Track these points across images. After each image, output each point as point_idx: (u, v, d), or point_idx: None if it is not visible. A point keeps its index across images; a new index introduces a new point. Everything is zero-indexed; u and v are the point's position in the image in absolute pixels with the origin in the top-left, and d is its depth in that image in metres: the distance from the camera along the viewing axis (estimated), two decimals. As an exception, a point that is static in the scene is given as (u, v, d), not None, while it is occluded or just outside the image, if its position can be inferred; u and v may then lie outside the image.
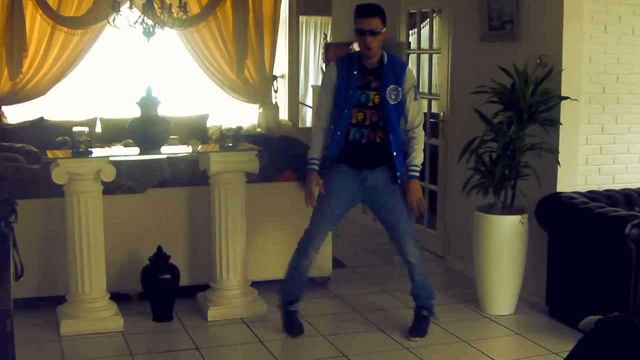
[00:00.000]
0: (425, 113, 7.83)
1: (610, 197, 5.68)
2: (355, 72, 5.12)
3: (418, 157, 5.22)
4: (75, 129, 5.55)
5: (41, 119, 9.63)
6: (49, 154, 5.58)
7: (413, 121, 5.22)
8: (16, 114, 9.91)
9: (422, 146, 5.28)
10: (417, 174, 5.22)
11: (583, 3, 5.75)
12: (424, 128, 7.68)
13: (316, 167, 5.27)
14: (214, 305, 5.74)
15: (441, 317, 5.80)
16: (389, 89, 5.11)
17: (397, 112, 5.17)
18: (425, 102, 7.87)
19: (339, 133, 5.16)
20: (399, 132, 5.19)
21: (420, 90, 7.92)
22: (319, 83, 9.87)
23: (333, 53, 8.76)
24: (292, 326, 5.44)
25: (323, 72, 5.35)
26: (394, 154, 5.14)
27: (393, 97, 5.12)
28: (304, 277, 5.43)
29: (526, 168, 5.73)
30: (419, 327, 5.44)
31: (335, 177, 5.24)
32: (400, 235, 5.30)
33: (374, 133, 5.17)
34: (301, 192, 6.18)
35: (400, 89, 5.14)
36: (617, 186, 5.95)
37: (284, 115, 11.33)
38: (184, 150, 6.38)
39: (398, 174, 5.17)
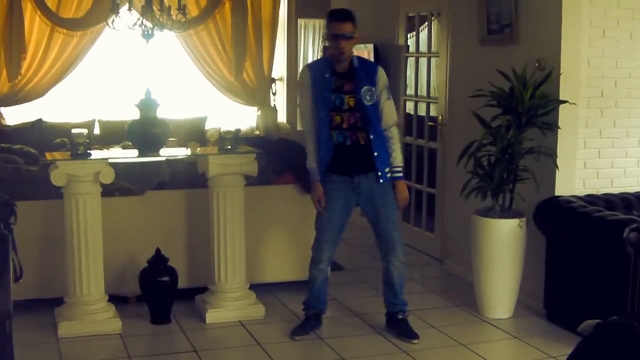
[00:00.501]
0: (423, 116, 7.85)
1: (609, 201, 5.69)
2: (327, 76, 5.20)
3: (398, 158, 5.32)
4: (74, 130, 5.56)
5: (40, 120, 9.62)
6: (48, 156, 5.58)
7: (387, 121, 5.29)
8: (15, 115, 9.89)
9: (399, 145, 5.37)
10: (401, 174, 5.34)
11: (582, 7, 5.75)
12: (421, 130, 7.76)
13: (318, 177, 5.31)
14: (213, 307, 5.74)
15: (439, 320, 5.82)
16: (363, 90, 5.18)
17: (375, 112, 5.23)
18: (423, 106, 7.88)
19: (323, 136, 5.22)
20: (381, 132, 5.26)
21: (418, 94, 7.96)
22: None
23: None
24: (299, 328, 5.49)
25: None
26: (375, 154, 5.21)
27: (368, 98, 5.19)
28: (321, 290, 5.48)
29: (524, 172, 5.73)
30: (409, 331, 5.45)
31: (329, 189, 5.30)
32: (390, 238, 5.37)
33: (355, 135, 5.23)
34: (300, 195, 6.20)
35: (374, 89, 5.21)
36: (615, 190, 5.96)
37: (282, 117, 11.33)
38: (182, 152, 6.38)
39: (379, 173, 5.24)
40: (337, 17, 5.16)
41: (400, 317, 5.51)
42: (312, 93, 5.25)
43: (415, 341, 5.37)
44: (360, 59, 5.33)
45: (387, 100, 5.29)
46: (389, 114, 5.29)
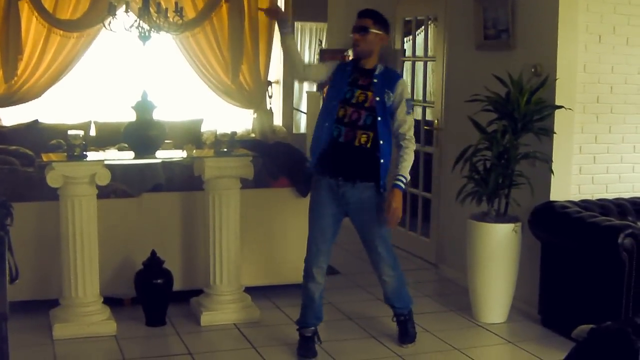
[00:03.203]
0: (419, 120, 7.86)
1: (604, 206, 5.70)
2: (348, 68, 5.17)
3: (407, 168, 5.06)
4: (70, 132, 5.56)
5: (36, 121, 9.61)
6: (44, 157, 5.59)
7: (404, 128, 5.07)
8: (11, 116, 9.87)
9: (412, 160, 5.08)
10: (403, 185, 5.05)
11: (578, 13, 5.77)
12: (417, 135, 7.74)
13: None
14: (208, 310, 5.74)
15: (434, 324, 5.82)
16: (377, 88, 5.05)
17: (387, 117, 5.04)
18: (419, 110, 7.89)
19: (327, 124, 5.06)
20: (390, 140, 5.08)
21: (414, 98, 7.96)
22: (314, 89, 9.89)
23: (328, 59, 8.77)
24: (304, 350, 5.26)
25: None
26: (382, 161, 5.02)
27: (385, 99, 5.02)
28: (316, 302, 5.28)
29: (520, 177, 5.75)
30: (405, 334, 5.46)
31: (316, 194, 5.17)
32: (377, 255, 5.27)
33: (353, 133, 5.02)
34: (295, 198, 6.19)
35: (391, 93, 5.05)
36: (610, 195, 5.98)
37: (278, 121, 11.33)
38: (178, 154, 6.38)
39: (381, 182, 5.06)
40: (360, 13, 5.17)
41: (401, 319, 5.48)
42: (332, 78, 5.22)
43: (405, 345, 5.38)
44: (386, 67, 5.20)
45: (406, 114, 5.07)
46: (407, 124, 5.07)
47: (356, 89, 5.08)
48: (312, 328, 5.29)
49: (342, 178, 5.06)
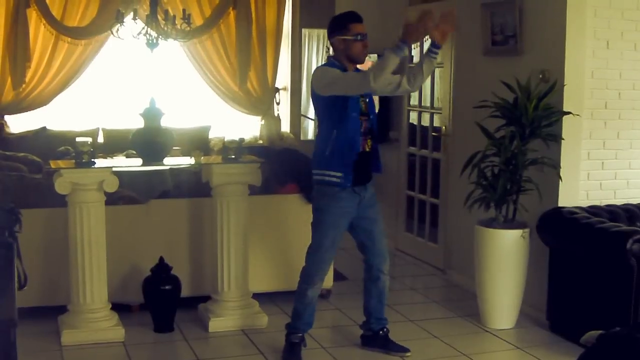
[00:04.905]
0: (427, 127, 7.86)
1: (612, 212, 5.69)
2: None
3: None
4: (78, 139, 5.57)
5: (44, 128, 9.64)
6: (52, 164, 5.60)
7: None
8: (19, 123, 9.90)
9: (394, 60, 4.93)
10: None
11: (586, 18, 5.77)
12: (425, 141, 7.77)
13: (397, 42, 4.88)
14: (215, 316, 5.75)
15: (442, 330, 5.82)
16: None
17: (375, 113, 5.22)
18: (427, 116, 7.89)
19: (356, 137, 4.99)
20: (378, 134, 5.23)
21: (422, 104, 7.98)
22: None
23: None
24: (291, 355, 5.22)
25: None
26: (380, 160, 5.23)
27: (369, 99, 5.14)
28: (312, 308, 5.24)
29: (528, 183, 5.74)
30: (397, 345, 5.40)
31: (335, 208, 5.06)
32: (383, 248, 5.28)
33: (365, 141, 5.08)
34: (303, 204, 6.19)
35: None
36: (619, 201, 5.96)
37: (286, 127, 11.34)
38: (186, 161, 6.39)
39: (378, 166, 5.22)
40: (359, 18, 5.08)
41: (385, 332, 5.42)
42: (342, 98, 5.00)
43: (409, 354, 5.35)
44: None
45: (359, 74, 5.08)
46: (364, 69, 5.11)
47: (360, 97, 5.08)
48: (301, 335, 5.26)
49: (363, 185, 5.12)
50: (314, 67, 11.61)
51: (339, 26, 5.08)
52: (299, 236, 6.24)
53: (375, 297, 5.38)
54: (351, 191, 5.05)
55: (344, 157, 4.99)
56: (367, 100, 5.14)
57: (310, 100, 11.53)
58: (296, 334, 5.24)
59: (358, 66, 5.15)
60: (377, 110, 5.30)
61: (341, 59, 5.07)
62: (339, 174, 5.00)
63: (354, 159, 5.00)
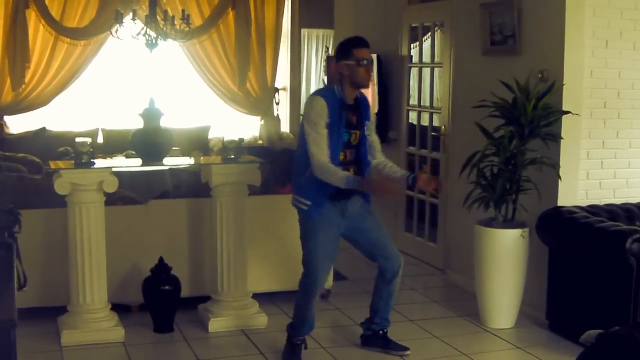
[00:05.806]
0: (426, 126, 7.87)
1: (611, 211, 5.70)
2: (341, 111, 4.94)
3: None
4: (78, 139, 5.57)
5: (43, 129, 9.65)
6: (52, 165, 5.60)
7: (380, 152, 5.21)
8: (18, 124, 9.92)
9: None
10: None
11: (584, 18, 5.77)
12: (424, 141, 7.78)
13: (358, 177, 4.92)
14: (215, 316, 5.75)
15: (441, 330, 5.82)
16: (367, 124, 5.09)
17: (366, 145, 5.12)
18: (427, 116, 7.90)
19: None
20: (367, 161, 5.13)
21: (422, 104, 7.99)
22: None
23: (335, 66, 8.78)
24: (292, 355, 5.22)
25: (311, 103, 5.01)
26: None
27: (367, 132, 5.10)
28: (313, 315, 5.22)
29: (527, 182, 5.74)
30: (396, 344, 5.40)
31: (322, 222, 5.00)
32: (389, 250, 5.25)
33: (347, 169, 4.97)
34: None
35: (367, 122, 5.10)
36: (618, 201, 5.97)
37: (285, 127, 11.34)
38: (186, 161, 6.39)
39: (367, 196, 5.15)
40: (364, 43, 5.00)
41: (384, 331, 5.43)
42: (329, 128, 4.89)
43: (409, 352, 5.36)
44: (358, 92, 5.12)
45: (375, 134, 5.20)
46: (379, 145, 5.21)
47: (352, 130, 5.02)
48: (302, 337, 5.26)
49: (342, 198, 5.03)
50: (313, 67, 11.64)
51: (343, 52, 5.02)
52: (297, 236, 6.24)
53: (384, 298, 5.39)
54: (332, 208, 5.01)
55: (318, 190, 4.95)
56: (360, 132, 5.05)
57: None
58: (298, 337, 5.24)
59: (362, 90, 5.08)
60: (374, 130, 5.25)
61: (344, 84, 4.98)
62: (308, 202, 4.98)
63: (330, 191, 4.94)
